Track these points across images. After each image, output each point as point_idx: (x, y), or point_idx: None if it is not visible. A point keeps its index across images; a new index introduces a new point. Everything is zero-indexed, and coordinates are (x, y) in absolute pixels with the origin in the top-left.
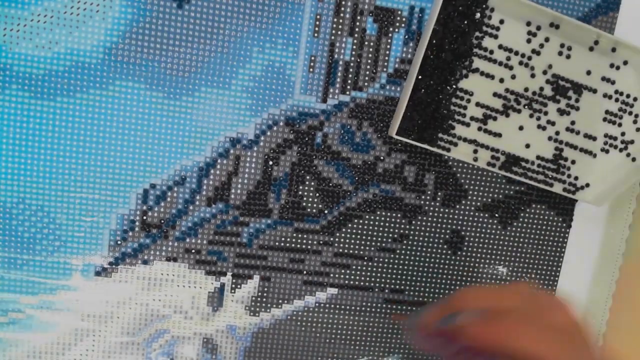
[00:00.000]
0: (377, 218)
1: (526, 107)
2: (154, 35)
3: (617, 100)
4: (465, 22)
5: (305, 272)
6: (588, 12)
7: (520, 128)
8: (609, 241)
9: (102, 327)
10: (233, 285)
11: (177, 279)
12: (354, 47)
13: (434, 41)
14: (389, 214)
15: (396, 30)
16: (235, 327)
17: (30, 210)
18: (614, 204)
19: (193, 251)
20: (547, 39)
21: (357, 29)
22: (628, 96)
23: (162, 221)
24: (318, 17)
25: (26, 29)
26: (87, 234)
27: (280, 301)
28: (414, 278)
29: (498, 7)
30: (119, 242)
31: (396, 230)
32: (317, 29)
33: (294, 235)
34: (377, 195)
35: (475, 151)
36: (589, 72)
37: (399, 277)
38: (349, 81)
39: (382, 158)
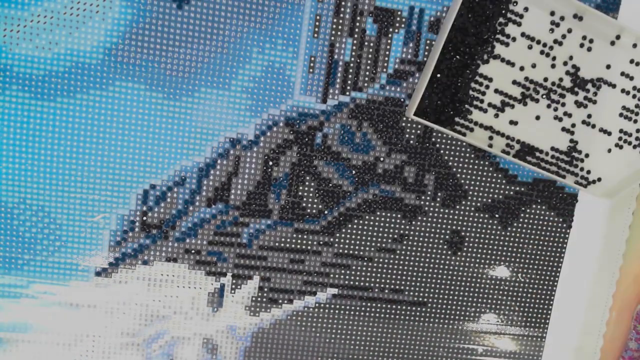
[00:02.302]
0: (377, 218)
1: (544, 97)
2: (153, 36)
3: (634, 96)
4: (491, 6)
5: (305, 272)
6: None
7: (537, 118)
8: (609, 242)
9: (102, 328)
10: (233, 286)
11: (177, 280)
12: (354, 47)
13: (458, 24)
14: (388, 214)
15: (396, 30)
16: (235, 327)
17: (31, 210)
18: (614, 205)
19: (193, 252)
20: (569, 30)
21: (356, 30)
22: None
23: (162, 222)
24: (318, 17)
25: (26, 30)
26: (88, 234)
27: (280, 301)
28: (414, 278)
29: None
30: (119, 243)
31: (396, 231)
32: (316, 29)
33: (294, 235)
34: (377, 195)
35: (491, 137)
36: (608, 66)
37: (399, 277)
38: (349, 82)
39: (381, 159)
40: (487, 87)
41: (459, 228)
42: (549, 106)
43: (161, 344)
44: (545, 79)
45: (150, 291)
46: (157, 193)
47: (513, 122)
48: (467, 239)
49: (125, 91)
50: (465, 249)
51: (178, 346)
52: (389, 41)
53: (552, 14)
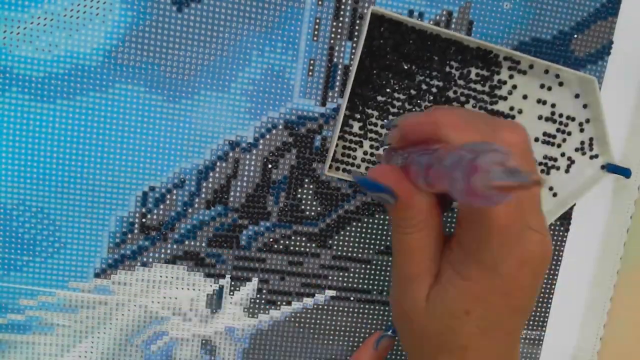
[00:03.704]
0: (376, 221)
1: None
2: (153, 39)
3: (554, 121)
4: (390, 55)
5: (303, 274)
6: (587, 17)
7: None
8: (608, 245)
9: (100, 329)
10: (232, 288)
11: (176, 282)
12: (353, 50)
13: (361, 76)
14: (387, 217)
15: None
16: (234, 329)
17: (30, 212)
18: (612, 208)
19: (192, 254)
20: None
21: (356, 33)
22: (561, 115)
23: (161, 224)
24: (317, 20)
25: (26, 32)
26: (87, 235)
27: (278, 303)
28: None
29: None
30: (118, 244)
31: None
32: (316, 32)
33: (293, 238)
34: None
35: None
36: (525, 97)
37: None
38: None
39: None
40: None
41: None
42: None
43: (160, 345)
44: None
45: (149, 293)
46: (157, 195)
47: None
48: None
49: (125, 93)
50: None
51: (177, 347)
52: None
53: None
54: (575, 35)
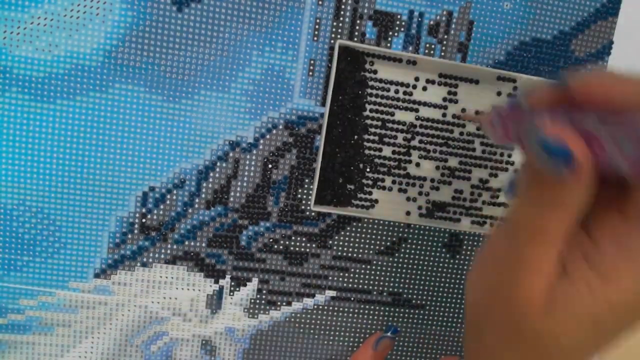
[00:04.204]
0: (376, 221)
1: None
2: (153, 39)
3: None
4: (353, 83)
5: (303, 274)
6: (587, 17)
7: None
8: None
9: (100, 329)
10: (232, 288)
11: (176, 282)
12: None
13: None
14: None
15: (395, 34)
16: (234, 329)
17: (30, 212)
18: None
19: (192, 254)
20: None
21: (356, 33)
22: None
23: (161, 224)
24: (318, 20)
25: (26, 32)
26: (87, 236)
27: (278, 303)
28: (412, 281)
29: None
30: (118, 245)
31: (395, 234)
32: (316, 32)
33: (293, 238)
34: None
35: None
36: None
37: (397, 280)
38: None
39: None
40: (379, 157)
41: (457, 232)
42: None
43: (160, 346)
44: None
45: (149, 293)
46: (157, 195)
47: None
48: (465, 242)
49: (125, 93)
50: (463, 252)
51: (177, 348)
52: (389, 45)
53: (417, 79)
54: (576, 35)
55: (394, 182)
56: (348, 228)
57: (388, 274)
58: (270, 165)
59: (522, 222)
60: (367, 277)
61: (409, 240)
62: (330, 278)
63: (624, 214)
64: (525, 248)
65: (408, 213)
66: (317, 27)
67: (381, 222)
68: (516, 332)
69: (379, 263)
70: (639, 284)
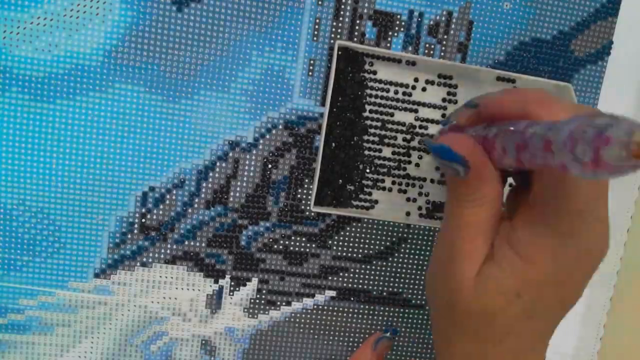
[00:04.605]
0: (376, 222)
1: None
2: (153, 39)
3: None
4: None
5: (303, 274)
6: (587, 17)
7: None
8: None
9: (100, 329)
10: (231, 288)
11: (176, 282)
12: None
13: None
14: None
15: (395, 34)
16: (234, 329)
17: (30, 212)
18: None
19: (192, 254)
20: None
21: (356, 33)
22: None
23: (161, 224)
24: (317, 20)
25: (26, 32)
26: (87, 236)
27: (278, 303)
28: (412, 281)
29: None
30: (117, 244)
31: (395, 234)
32: (316, 32)
33: (293, 238)
34: None
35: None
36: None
37: (397, 280)
38: None
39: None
40: (379, 158)
41: None
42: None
43: (160, 346)
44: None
45: (149, 293)
46: (156, 195)
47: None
48: None
49: (124, 93)
50: None
51: (176, 348)
52: (389, 45)
53: (416, 80)
54: (576, 35)
55: (393, 182)
56: (348, 228)
57: (388, 274)
58: (270, 165)
59: (449, 217)
60: (367, 277)
61: (409, 240)
62: (330, 278)
63: (531, 203)
64: (456, 240)
65: (408, 213)
66: (317, 27)
67: (381, 222)
68: (457, 314)
69: (379, 263)
70: (549, 260)
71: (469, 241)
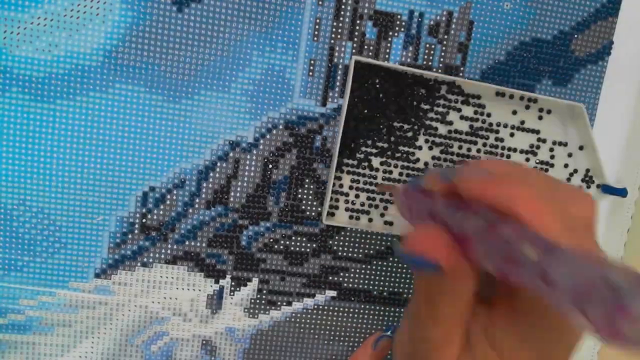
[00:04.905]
0: None
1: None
2: (153, 39)
3: (546, 149)
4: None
5: (303, 274)
6: (587, 17)
7: None
8: (607, 246)
9: (100, 329)
10: (232, 288)
11: (176, 282)
12: (354, 51)
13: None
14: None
15: (395, 34)
16: (234, 329)
17: (30, 212)
18: (612, 209)
19: (192, 254)
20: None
21: (356, 33)
22: (554, 142)
23: (162, 224)
24: (318, 20)
25: (26, 32)
26: (87, 236)
27: (279, 303)
28: (412, 281)
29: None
30: (118, 245)
31: (395, 234)
32: (316, 32)
33: (293, 238)
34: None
35: None
36: (513, 127)
37: (397, 280)
38: None
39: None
40: (396, 165)
41: None
42: None
43: (160, 346)
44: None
45: (150, 293)
46: (157, 195)
47: None
48: None
49: (125, 93)
50: None
51: (177, 348)
52: (389, 45)
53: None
54: (576, 35)
55: None
56: (348, 228)
57: (388, 274)
58: (270, 165)
59: (422, 310)
60: (367, 277)
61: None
62: (330, 278)
63: (514, 302)
64: (431, 332)
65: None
66: (317, 27)
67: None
68: None
69: (379, 263)
70: (526, 358)
71: (444, 332)
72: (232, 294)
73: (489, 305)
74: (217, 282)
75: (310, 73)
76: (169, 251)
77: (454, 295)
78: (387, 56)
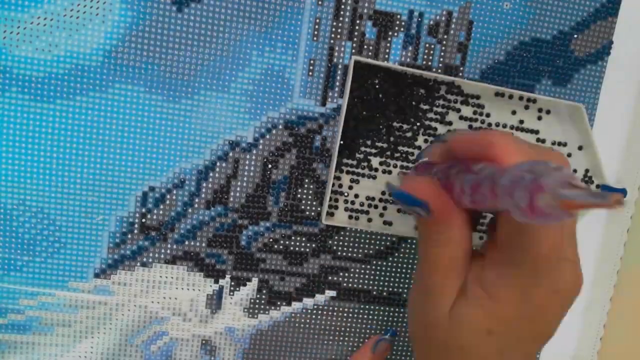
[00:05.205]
0: None
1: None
2: (153, 39)
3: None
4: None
5: (303, 274)
6: (587, 17)
7: None
8: (607, 246)
9: (100, 329)
10: (232, 288)
11: (176, 282)
12: (353, 51)
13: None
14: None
15: (395, 34)
16: (234, 329)
17: (30, 212)
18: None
19: (192, 254)
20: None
21: (356, 33)
22: (553, 142)
23: (161, 224)
24: (317, 20)
25: (26, 32)
26: (87, 236)
27: (278, 303)
28: (412, 280)
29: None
30: (118, 244)
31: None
32: (316, 32)
33: (293, 238)
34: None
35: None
36: (513, 127)
37: (397, 280)
38: None
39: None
40: (395, 166)
41: None
42: None
43: (160, 346)
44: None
45: (149, 293)
46: (157, 195)
47: None
48: None
49: (124, 93)
50: None
51: (177, 348)
52: (388, 45)
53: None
54: (575, 35)
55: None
56: (348, 228)
57: (388, 274)
58: (270, 165)
59: (421, 256)
60: (367, 277)
61: (409, 240)
62: (329, 278)
63: (500, 248)
64: (428, 278)
65: (417, 227)
66: (316, 27)
67: None
68: (434, 349)
69: (379, 263)
70: (518, 299)
71: (441, 278)
72: (231, 294)
73: (482, 256)
74: (216, 282)
75: (310, 73)
76: (168, 251)
77: (447, 239)
78: (386, 56)
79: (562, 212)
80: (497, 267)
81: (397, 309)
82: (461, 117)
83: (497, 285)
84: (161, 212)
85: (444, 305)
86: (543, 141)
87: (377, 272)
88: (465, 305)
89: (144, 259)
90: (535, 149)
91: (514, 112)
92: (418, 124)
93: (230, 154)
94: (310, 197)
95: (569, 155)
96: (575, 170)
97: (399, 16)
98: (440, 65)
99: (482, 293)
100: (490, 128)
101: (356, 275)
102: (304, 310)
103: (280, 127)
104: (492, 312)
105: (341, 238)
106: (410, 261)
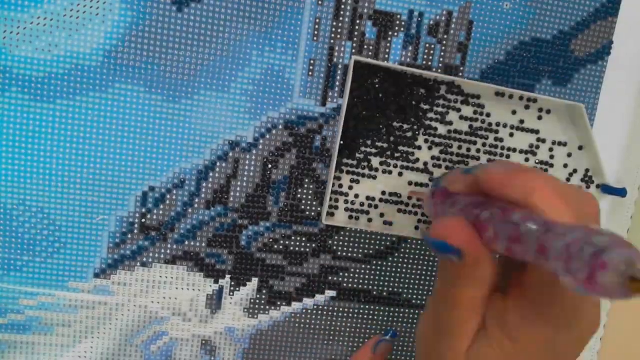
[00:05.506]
0: None
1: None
2: (153, 39)
3: (545, 149)
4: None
5: (303, 274)
6: (587, 17)
7: None
8: None
9: (100, 330)
10: (232, 288)
11: (176, 282)
12: (353, 51)
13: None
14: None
15: (395, 34)
16: (234, 329)
17: (30, 212)
18: (612, 209)
19: (192, 254)
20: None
21: (356, 33)
22: (553, 142)
23: (161, 224)
24: (317, 20)
25: (26, 32)
26: (87, 236)
27: (278, 304)
28: (412, 281)
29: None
30: (118, 245)
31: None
32: (316, 32)
33: (293, 238)
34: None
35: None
36: (513, 127)
37: (397, 280)
38: None
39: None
40: (396, 166)
41: None
42: None
43: (160, 346)
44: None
45: (149, 293)
46: (157, 195)
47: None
48: None
49: (124, 93)
50: None
51: (177, 348)
52: (389, 45)
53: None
54: (575, 35)
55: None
56: (348, 228)
57: (388, 274)
58: (270, 165)
59: (441, 296)
60: (367, 277)
61: (409, 240)
62: (330, 278)
63: (525, 291)
64: (448, 319)
65: (417, 227)
66: (316, 27)
67: None
68: None
69: (379, 263)
70: (541, 347)
71: (462, 319)
72: (231, 294)
73: (504, 295)
74: (216, 282)
75: (310, 73)
76: (168, 251)
77: (473, 280)
78: (386, 56)
79: (627, 291)
80: (521, 310)
81: (397, 309)
82: (461, 117)
83: (520, 328)
84: (161, 212)
85: (462, 346)
86: (543, 141)
87: (377, 272)
88: (485, 346)
89: (144, 259)
90: (575, 194)
91: (514, 112)
92: (418, 124)
93: (230, 154)
94: (310, 197)
95: (569, 155)
96: (575, 171)
97: (399, 16)
98: (441, 65)
99: (502, 336)
100: (524, 165)
101: (356, 276)
102: (304, 311)
103: (281, 127)
104: (512, 355)
105: (341, 238)
106: (411, 261)
